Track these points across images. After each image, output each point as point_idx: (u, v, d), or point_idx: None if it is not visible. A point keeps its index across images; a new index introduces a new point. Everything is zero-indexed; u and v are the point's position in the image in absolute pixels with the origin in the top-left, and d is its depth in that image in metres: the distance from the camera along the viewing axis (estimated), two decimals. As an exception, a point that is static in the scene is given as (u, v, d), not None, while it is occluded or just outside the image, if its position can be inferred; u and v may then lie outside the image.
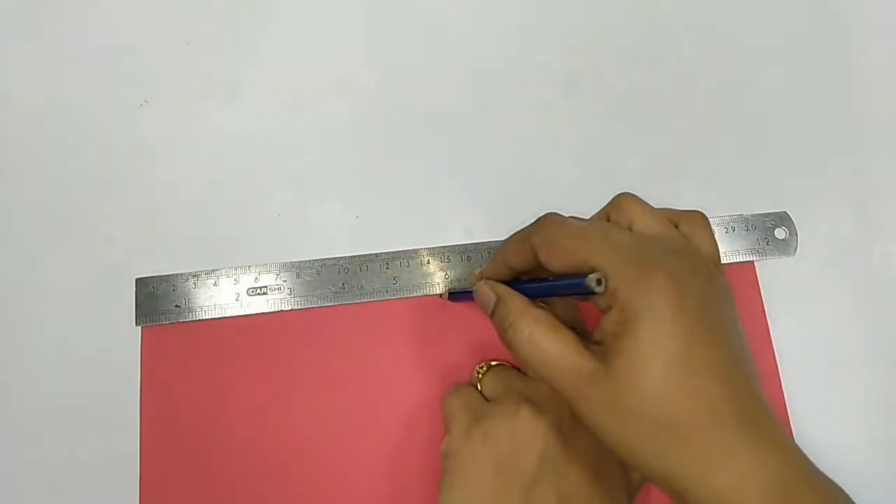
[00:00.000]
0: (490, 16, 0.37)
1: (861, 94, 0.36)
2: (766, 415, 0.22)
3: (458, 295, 0.31)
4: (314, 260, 0.33)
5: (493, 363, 0.31)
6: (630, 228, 0.26)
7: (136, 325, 0.32)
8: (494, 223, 0.34)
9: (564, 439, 0.27)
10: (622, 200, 0.27)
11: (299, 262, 0.33)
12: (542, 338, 0.24)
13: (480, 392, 0.30)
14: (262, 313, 0.32)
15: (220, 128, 0.35)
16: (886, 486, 0.31)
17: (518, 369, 0.30)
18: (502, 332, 0.25)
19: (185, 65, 0.36)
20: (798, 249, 0.33)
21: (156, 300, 0.32)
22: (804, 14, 0.37)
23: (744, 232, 0.33)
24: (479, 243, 0.33)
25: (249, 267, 0.33)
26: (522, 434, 0.27)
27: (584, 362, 0.23)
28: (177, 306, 0.32)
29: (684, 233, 0.27)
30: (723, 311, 0.24)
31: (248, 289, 0.32)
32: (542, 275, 0.26)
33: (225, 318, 0.32)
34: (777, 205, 0.34)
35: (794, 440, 0.23)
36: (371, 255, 0.33)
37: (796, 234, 0.33)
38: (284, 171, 0.34)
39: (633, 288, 0.22)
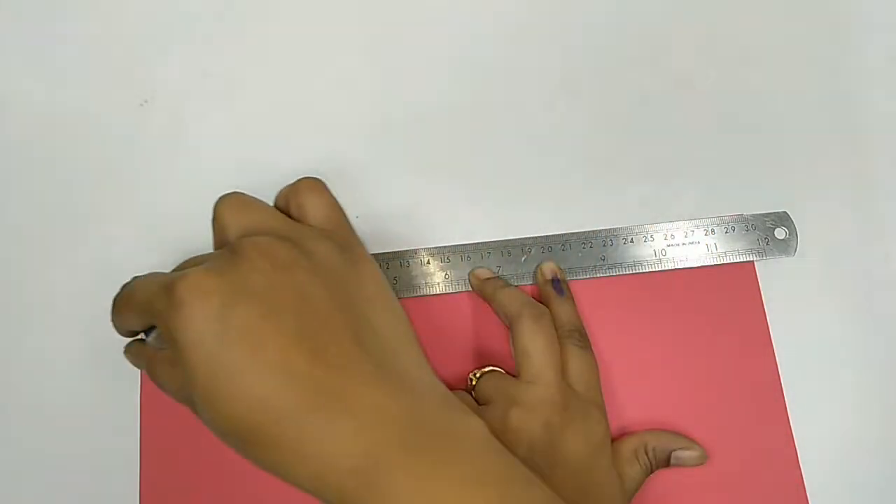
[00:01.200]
0: (490, 16, 0.37)
1: (861, 95, 0.36)
2: (351, 388, 0.21)
3: None
4: (314, 260, 0.33)
5: (487, 369, 0.31)
6: (225, 230, 0.26)
7: (136, 325, 0.32)
8: (494, 223, 0.34)
9: (551, 440, 0.27)
10: (216, 215, 0.27)
11: (299, 262, 0.33)
12: (163, 376, 0.25)
13: (473, 398, 0.30)
14: (263, 313, 0.32)
15: (220, 128, 0.35)
16: (886, 486, 0.31)
17: (511, 374, 0.30)
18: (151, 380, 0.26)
19: (185, 65, 0.36)
20: (798, 249, 0.33)
21: (156, 300, 0.32)
22: (804, 14, 0.37)
23: (744, 232, 0.33)
24: (479, 243, 0.33)
25: (249, 267, 0.33)
26: (511, 436, 0.27)
27: (187, 394, 0.23)
28: (177, 306, 0.32)
29: (297, 205, 0.27)
30: (294, 285, 0.22)
31: (249, 289, 0.32)
32: None
33: (225, 318, 0.32)
34: (777, 205, 0.34)
35: (403, 400, 0.21)
36: (371, 255, 0.33)
37: (796, 234, 0.33)
38: (284, 171, 0.34)
39: (168, 321, 0.22)
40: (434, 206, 0.34)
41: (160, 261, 0.33)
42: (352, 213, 0.34)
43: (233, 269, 0.22)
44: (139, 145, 0.35)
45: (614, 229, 0.33)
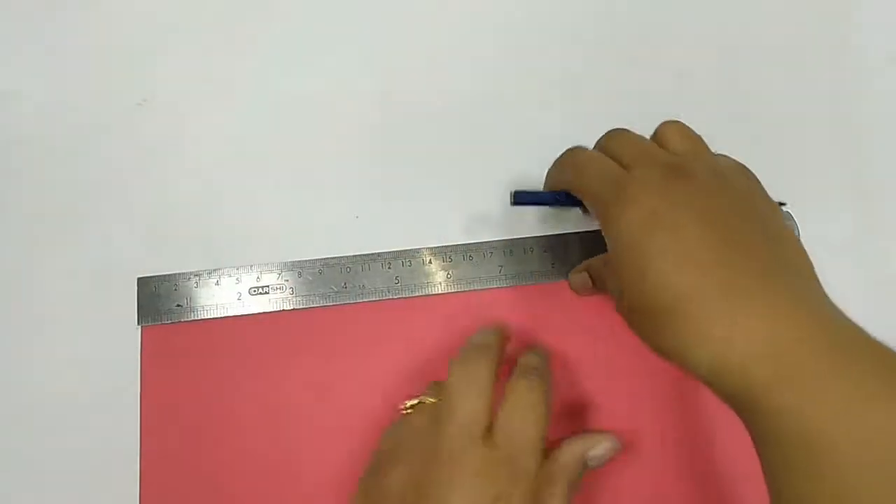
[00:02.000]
0: (490, 16, 0.37)
1: (861, 94, 0.36)
2: (759, 286, 0.23)
3: (524, 197, 0.30)
4: (316, 259, 0.33)
5: (415, 401, 0.28)
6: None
7: (138, 324, 0.32)
8: (495, 223, 0.34)
9: (424, 496, 0.25)
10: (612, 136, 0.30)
11: (301, 261, 0.33)
12: (608, 280, 0.29)
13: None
14: (264, 313, 0.32)
15: (220, 127, 0.35)
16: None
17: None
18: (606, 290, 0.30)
19: (185, 65, 0.36)
20: (798, 249, 0.33)
21: (157, 300, 0.32)
22: (804, 14, 0.37)
23: (744, 231, 0.33)
24: (480, 242, 0.33)
25: (251, 266, 0.33)
26: (379, 492, 0.26)
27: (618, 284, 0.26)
28: (178, 306, 0.32)
29: (660, 143, 0.29)
30: (722, 207, 0.25)
31: (250, 288, 0.32)
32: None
33: (226, 317, 0.32)
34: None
35: (814, 307, 0.23)
36: (373, 254, 0.33)
37: (797, 234, 0.33)
38: (285, 170, 0.34)
39: (609, 212, 0.26)
40: (435, 205, 0.34)
41: (160, 261, 0.33)
42: (352, 213, 0.34)
43: (676, 182, 0.26)
44: (139, 145, 0.35)
45: (615, 229, 0.33)
